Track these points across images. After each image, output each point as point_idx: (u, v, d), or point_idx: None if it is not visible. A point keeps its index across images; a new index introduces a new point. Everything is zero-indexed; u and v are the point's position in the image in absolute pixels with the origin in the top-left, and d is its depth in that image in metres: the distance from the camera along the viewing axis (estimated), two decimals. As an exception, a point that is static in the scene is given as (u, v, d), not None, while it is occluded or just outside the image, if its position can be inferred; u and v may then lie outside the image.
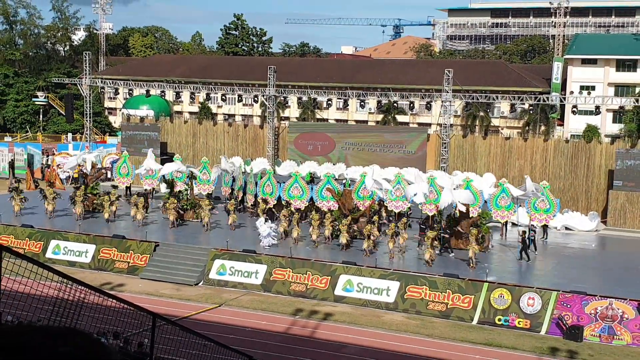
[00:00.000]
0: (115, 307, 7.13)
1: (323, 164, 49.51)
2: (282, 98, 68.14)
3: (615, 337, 26.29)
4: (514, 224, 39.14)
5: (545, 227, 37.83)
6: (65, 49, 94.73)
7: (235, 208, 38.19)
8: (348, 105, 76.81)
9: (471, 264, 30.67)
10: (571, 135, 64.26)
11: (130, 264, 33.55)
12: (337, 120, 76.37)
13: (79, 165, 47.88)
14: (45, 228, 36.52)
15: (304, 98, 69.62)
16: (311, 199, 38.67)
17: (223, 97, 65.39)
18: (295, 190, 38.79)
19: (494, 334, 26.68)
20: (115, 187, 42.42)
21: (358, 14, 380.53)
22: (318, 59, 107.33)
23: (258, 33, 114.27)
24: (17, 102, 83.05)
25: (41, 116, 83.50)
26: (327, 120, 74.20)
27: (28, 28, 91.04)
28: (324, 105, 74.13)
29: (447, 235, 34.31)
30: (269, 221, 34.83)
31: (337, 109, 77.94)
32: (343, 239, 33.22)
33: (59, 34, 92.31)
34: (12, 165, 56.04)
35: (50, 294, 6.19)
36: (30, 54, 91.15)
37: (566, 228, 41.31)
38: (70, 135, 69.05)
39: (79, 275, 27.30)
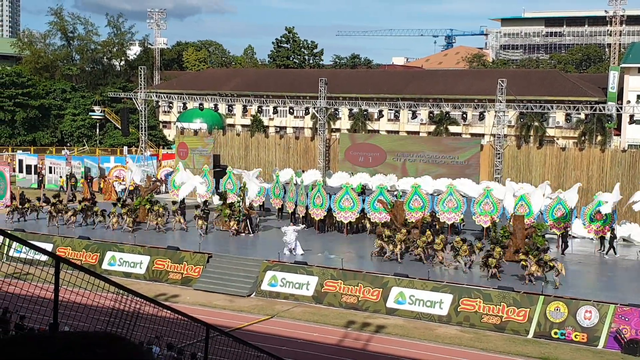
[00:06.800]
0: (170, 317, 7.20)
1: (375, 176, 49.36)
2: (333, 110, 68.25)
3: (676, 352, 25.52)
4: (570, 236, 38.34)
5: (602, 239, 37.05)
6: (121, 63, 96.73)
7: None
8: (399, 116, 76.54)
9: (532, 281, 29.85)
10: (628, 145, 62.80)
11: (184, 275, 33.91)
12: (388, 131, 76.08)
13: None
14: (101, 239, 37.19)
15: (355, 109, 69.56)
16: (362, 210, 38.64)
17: (275, 109, 65.70)
18: (346, 201, 38.80)
19: (550, 347, 26.18)
20: (174, 202, 43.15)
21: (409, 25, 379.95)
22: (369, 71, 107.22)
23: (309, 46, 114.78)
24: (74, 116, 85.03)
25: (97, 130, 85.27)
26: (378, 131, 74.05)
27: (85, 44, 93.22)
28: (375, 116, 73.95)
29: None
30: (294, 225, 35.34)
31: (389, 120, 77.66)
32: (397, 250, 33.10)
33: (115, 49, 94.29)
34: (69, 178, 57.22)
35: (106, 304, 6.29)
36: (87, 69, 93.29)
37: (624, 239, 40.36)
38: (126, 148, 70.31)
39: (134, 286, 27.65)
